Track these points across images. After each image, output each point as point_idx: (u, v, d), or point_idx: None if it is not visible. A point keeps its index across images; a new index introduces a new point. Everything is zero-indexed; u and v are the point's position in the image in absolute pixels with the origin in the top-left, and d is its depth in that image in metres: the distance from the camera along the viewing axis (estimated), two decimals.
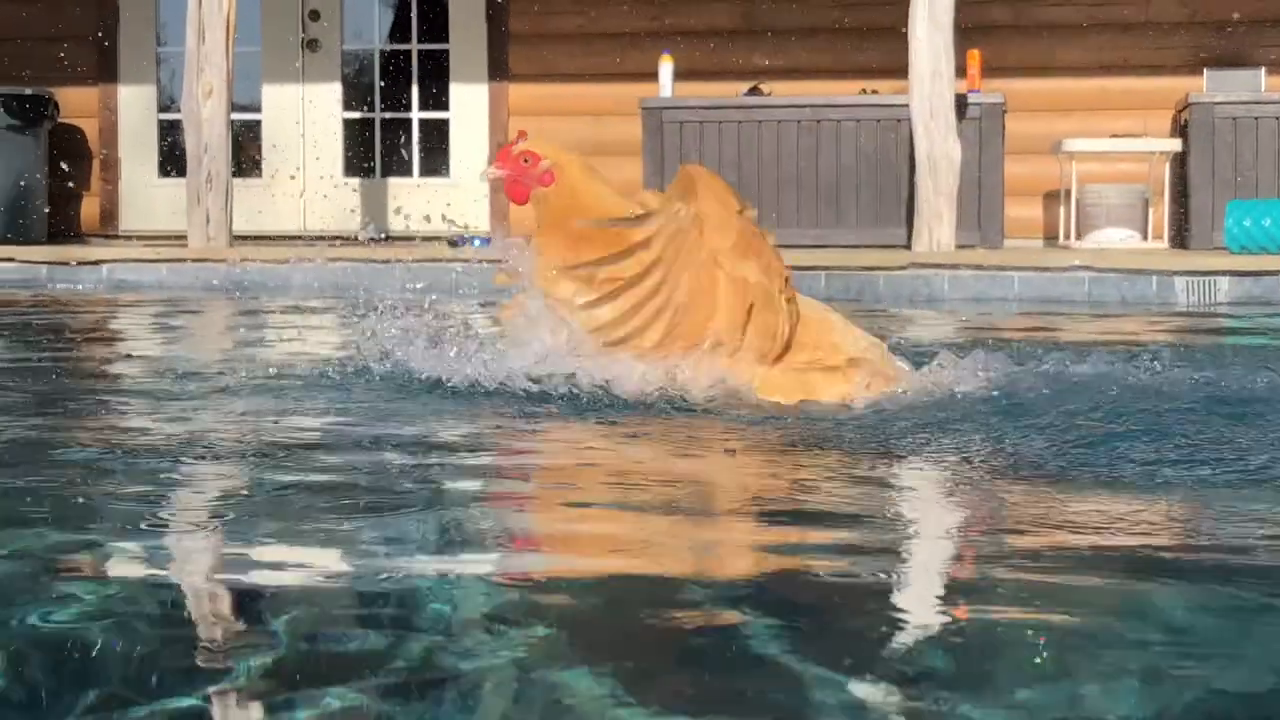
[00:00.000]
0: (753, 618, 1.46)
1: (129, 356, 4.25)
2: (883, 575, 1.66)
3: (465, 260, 8.44)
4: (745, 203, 3.14)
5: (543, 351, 3.13)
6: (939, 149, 9.17)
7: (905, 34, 9.35)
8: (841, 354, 3.09)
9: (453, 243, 9.76)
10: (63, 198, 10.93)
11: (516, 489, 2.30)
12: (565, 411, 2.89)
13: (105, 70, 11.18)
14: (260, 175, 11.28)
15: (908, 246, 9.52)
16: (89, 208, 11.20)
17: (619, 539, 1.90)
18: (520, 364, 3.12)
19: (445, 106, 11.21)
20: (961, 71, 9.55)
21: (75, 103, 10.92)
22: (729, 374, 3.01)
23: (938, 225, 9.13)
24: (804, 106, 10.07)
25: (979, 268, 7.36)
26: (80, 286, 7.79)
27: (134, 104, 11.24)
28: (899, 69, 10.21)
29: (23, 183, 10.21)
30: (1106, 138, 10.30)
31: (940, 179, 9.16)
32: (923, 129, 9.21)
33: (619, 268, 3.03)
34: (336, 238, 10.49)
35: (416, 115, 11.32)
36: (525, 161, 3.22)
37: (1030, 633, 1.40)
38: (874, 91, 10.32)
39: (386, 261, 8.18)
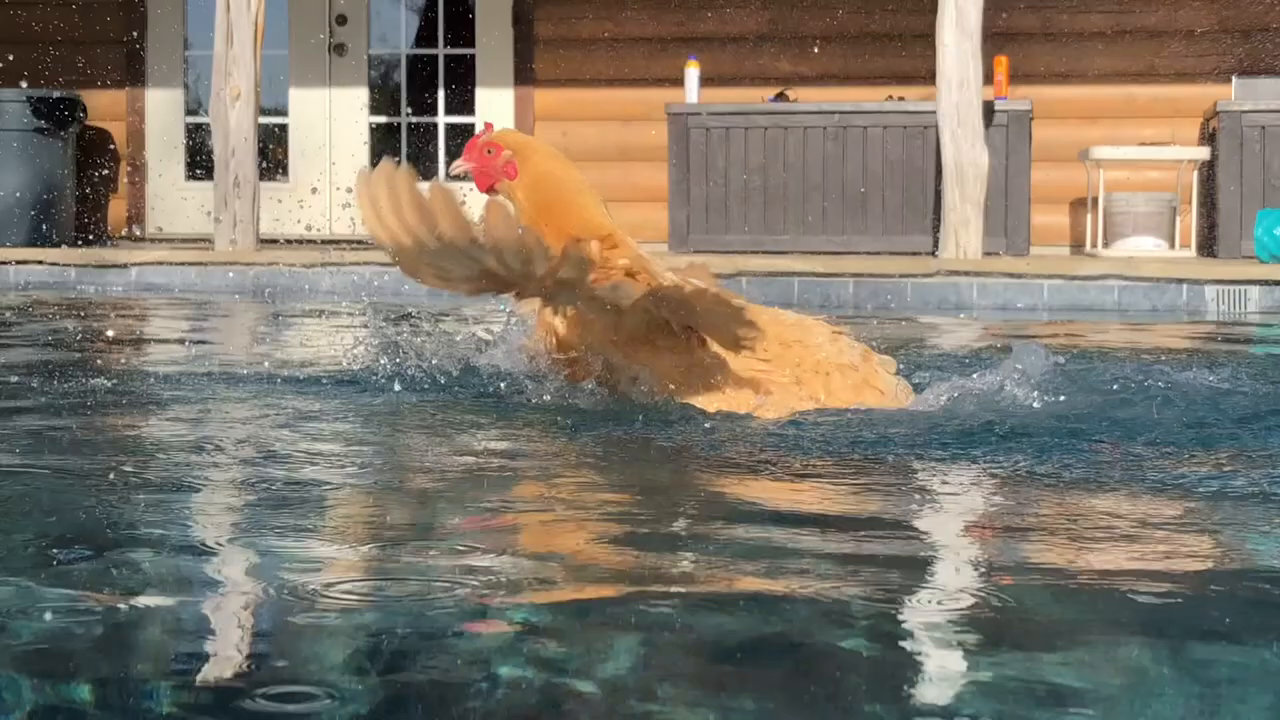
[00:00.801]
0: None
1: (154, 357, 4.25)
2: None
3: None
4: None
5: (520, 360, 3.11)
6: (966, 156, 9.15)
7: (932, 40, 9.33)
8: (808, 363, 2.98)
9: None
10: (90, 200, 10.98)
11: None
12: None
13: (133, 73, 11.22)
14: (286, 179, 11.30)
15: (933, 253, 9.51)
16: (116, 210, 11.23)
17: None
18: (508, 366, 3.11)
19: (471, 111, 11.22)
20: (988, 78, 9.53)
21: (103, 105, 10.96)
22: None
23: (965, 232, 9.11)
24: (830, 113, 10.06)
25: (1008, 275, 7.34)
26: (109, 289, 7.81)
27: (161, 107, 11.27)
28: (925, 75, 10.20)
29: (50, 185, 10.24)
30: (1134, 145, 10.26)
31: (967, 186, 9.13)
32: (950, 136, 9.19)
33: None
34: (362, 242, 10.53)
35: (443, 120, 11.33)
36: (489, 153, 3.14)
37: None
38: (900, 98, 10.30)
39: None
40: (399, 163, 2.68)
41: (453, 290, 2.79)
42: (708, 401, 2.94)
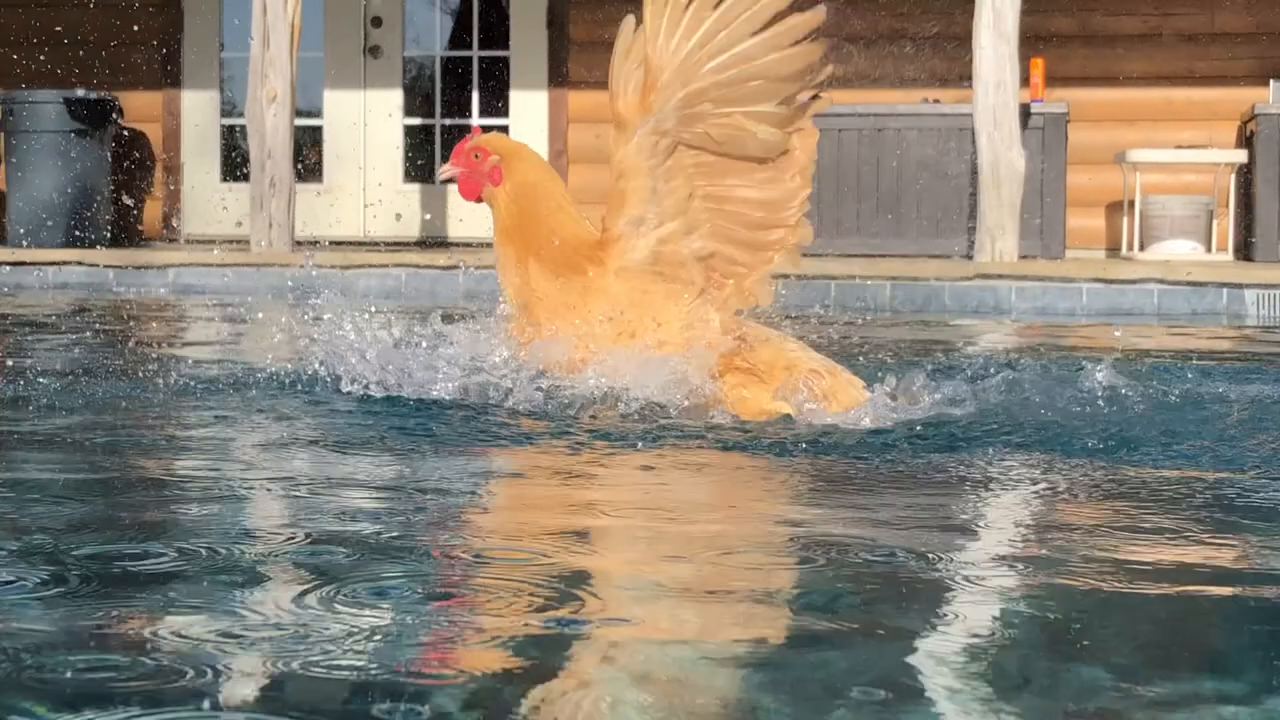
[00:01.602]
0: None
1: (190, 358, 4.25)
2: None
3: None
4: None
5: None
6: (1003, 159, 9.11)
7: (968, 42, 9.30)
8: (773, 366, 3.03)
9: None
10: (126, 202, 11.03)
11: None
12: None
13: (169, 75, 11.27)
14: (321, 180, 11.34)
15: (968, 257, 9.48)
16: (151, 212, 11.28)
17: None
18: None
19: (505, 113, 11.23)
20: (1024, 80, 9.49)
21: (139, 107, 11.01)
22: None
23: (1001, 236, 9.08)
24: (864, 115, 10.04)
25: (1046, 279, 7.31)
26: (147, 290, 7.84)
27: (197, 109, 11.32)
28: (960, 78, 10.17)
29: (87, 186, 10.29)
30: (1171, 149, 10.21)
31: (1004, 189, 9.10)
32: (986, 139, 9.16)
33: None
34: (396, 243, 10.56)
35: (477, 122, 11.34)
36: (476, 158, 3.16)
37: None
38: (936, 100, 10.27)
39: (450, 267, 8.21)
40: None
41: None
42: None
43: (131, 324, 5.62)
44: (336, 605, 1.48)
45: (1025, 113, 9.51)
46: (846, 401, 3.01)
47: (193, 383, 3.26)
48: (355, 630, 1.39)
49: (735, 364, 3.01)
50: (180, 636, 1.37)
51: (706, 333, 3.03)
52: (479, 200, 3.18)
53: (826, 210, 9.97)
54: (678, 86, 3.02)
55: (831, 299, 7.44)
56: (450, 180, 3.22)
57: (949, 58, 10.41)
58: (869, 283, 7.46)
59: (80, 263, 8.27)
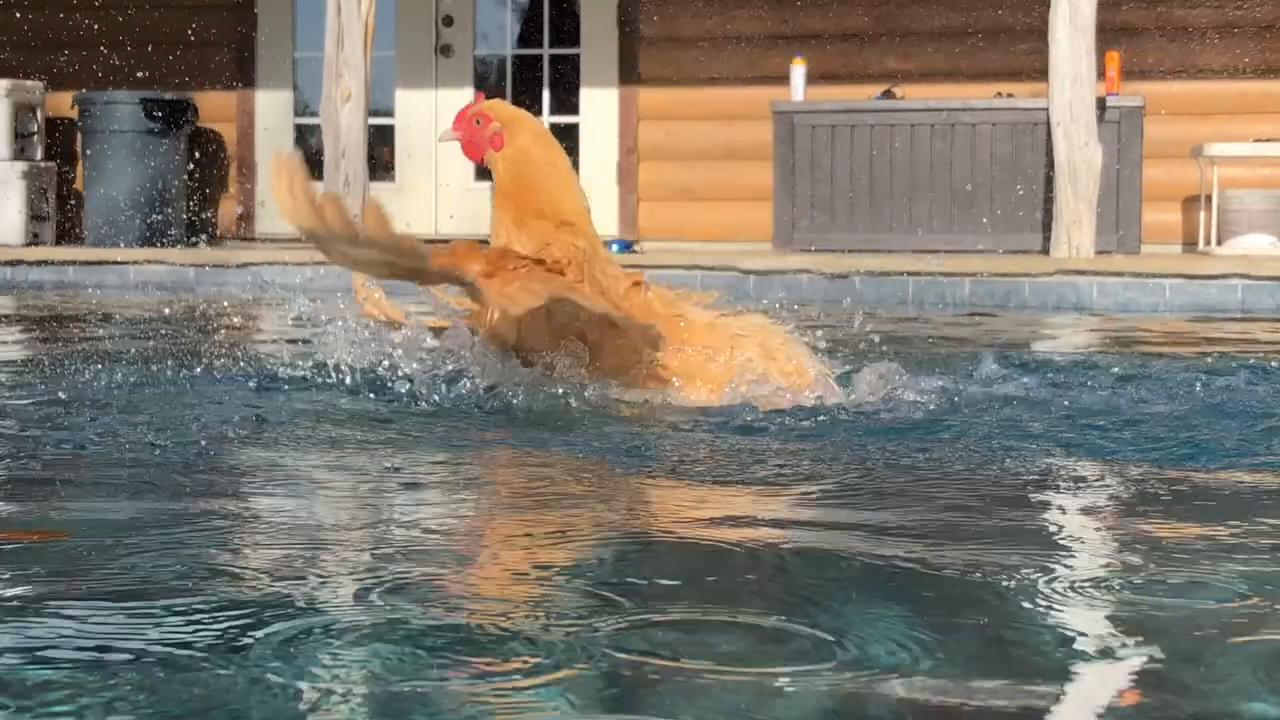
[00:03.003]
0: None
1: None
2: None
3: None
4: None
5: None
6: (1079, 153, 9.04)
7: (1042, 35, 9.24)
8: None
9: None
10: (201, 200, 11.13)
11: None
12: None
13: (243, 75, 11.36)
14: (393, 179, 11.40)
15: (1043, 252, 9.41)
16: (226, 210, 11.38)
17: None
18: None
19: (575, 111, 11.25)
20: (1100, 73, 9.40)
21: (214, 107, 11.10)
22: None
23: (1077, 231, 9.01)
24: (938, 110, 9.98)
25: (1129, 274, 7.24)
26: (226, 288, 7.91)
27: (271, 108, 11.40)
28: (1034, 71, 10.09)
29: (163, 186, 10.40)
30: (1248, 142, 10.09)
31: (1080, 184, 9.03)
32: (1062, 133, 9.09)
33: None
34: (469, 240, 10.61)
35: (547, 120, 11.36)
36: (478, 124, 3.19)
37: None
38: (1009, 95, 10.20)
39: None
40: (289, 154, 2.74)
41: (366, 274, 2.96)
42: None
43: (238, 321, 5.67)
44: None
45: (1100, 106, 9.42)
46: (794, 384, 3.05)
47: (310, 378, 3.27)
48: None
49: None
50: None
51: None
52: (482, 163, 3.23)
53: (899, 207, 9.94)
54: None
55: (910, 296, 7.40)
56: (453, 141, 3.26)
57: (1023, 52, 10.34)
58: (948, 279, 7.41)
59: (161, 261, 8.35)
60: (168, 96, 10.56)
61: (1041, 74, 9.65)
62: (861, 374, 3.20)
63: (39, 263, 8.62)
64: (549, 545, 1.87)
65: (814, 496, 2.17)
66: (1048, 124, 9.38)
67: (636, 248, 10.16)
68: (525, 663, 1.30)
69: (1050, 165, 9.44)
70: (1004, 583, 1.61)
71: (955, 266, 7.46)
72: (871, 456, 2.46)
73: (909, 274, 7.49)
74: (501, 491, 2.30)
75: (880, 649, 1.34)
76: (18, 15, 11.25)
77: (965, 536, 1.87)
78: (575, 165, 11.97)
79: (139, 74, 10.98)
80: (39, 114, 10.92)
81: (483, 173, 11.37)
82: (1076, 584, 1.60)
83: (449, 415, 2.90)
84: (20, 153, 10.71)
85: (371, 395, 3.06)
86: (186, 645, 1.35)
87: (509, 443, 2.65)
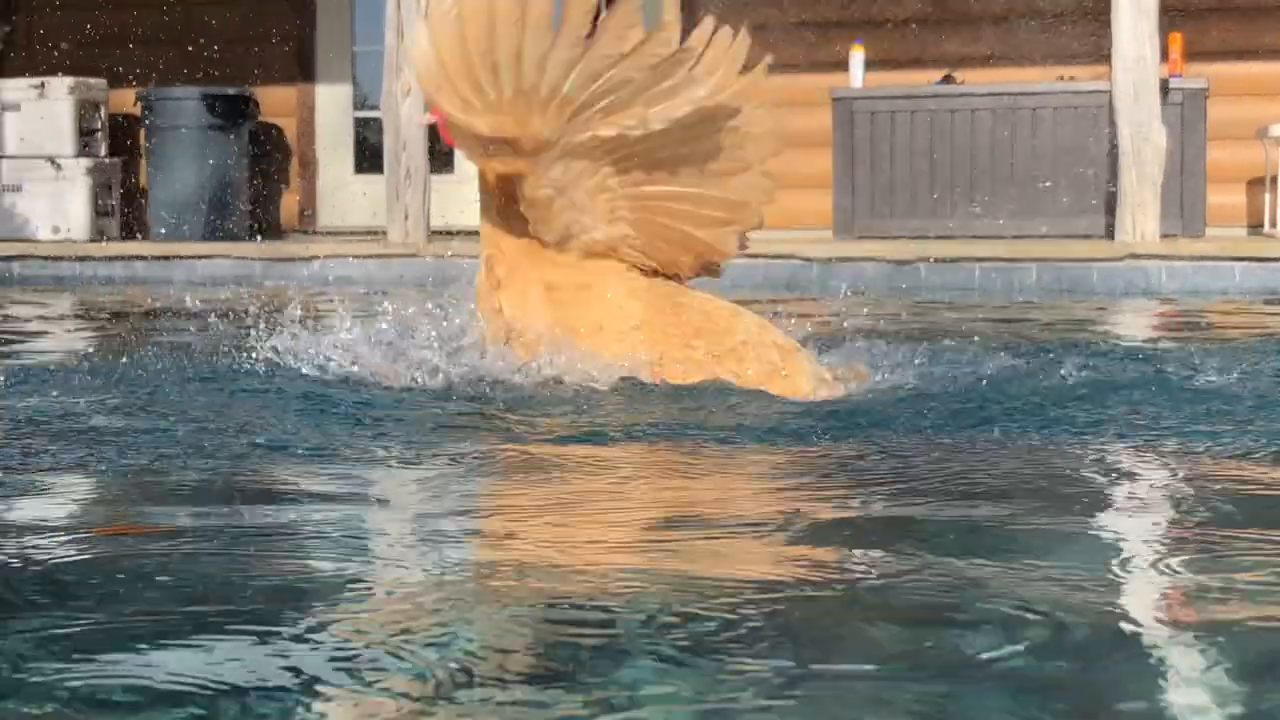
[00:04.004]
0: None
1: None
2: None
3: None
4: None
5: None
6: (1143, 137, 8.96)
7: (1102, 18, 9.16)
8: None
9: None
10: (263, 195, 11.21)
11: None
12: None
13: (303, 70, 11.43)
14: (453, 171, 11.43)
15: (1106, 236, 9.34)
16: (288, 204, 11.46)
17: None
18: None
19: None
20: (1162, 55, 9.32)
21: (274, 102, 11.18)
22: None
23: (1142, 215, 8.93)
24: (999, 95, 9.92)
25: (1198, 258, 7.18)
26: (293, 282, 7.98)
27: (331, 102, 11.47)
28: (1096, 54, 10.01)
29: (225, 180, 10.49)
30: None
31: (1145, 167, 8.95)
32: (1126, 116, 9.02)
33: None
34: None
35: None
36: None
37: None
38: (1071, 78, 10.13)
39: None
40: None
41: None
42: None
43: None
44: None
45: (1163, 88, 9.33)
46: (795, 385, 3.04)
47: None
48: None
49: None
50: None
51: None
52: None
53: (960, 193, 9.88)
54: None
55: (976, 283, 7.38)
56: (432, 123, 3.26)
57: (1083, 34, 10.26)
58: (1014, 265, 7.38)
59: (227, 256, 8.42)
60: (229, 92, 10.65)
61: (1103, 57, 9.57)
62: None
63: (108, 258, 8.73)
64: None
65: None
66: (1110, 107, 9.31)
67: None
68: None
69: (1113, 149, 9.37)
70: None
71: (1022, 252, 7.43)
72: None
73: (975, 260, 7.46)
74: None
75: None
76: (80, 14, 11.37)
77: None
78: None
79: (200, 70, 11.08)
80: (102, 111, 11.03)
81: None
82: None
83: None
84: (85, 149, 10.83)
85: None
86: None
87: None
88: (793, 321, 3.49)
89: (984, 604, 1.47)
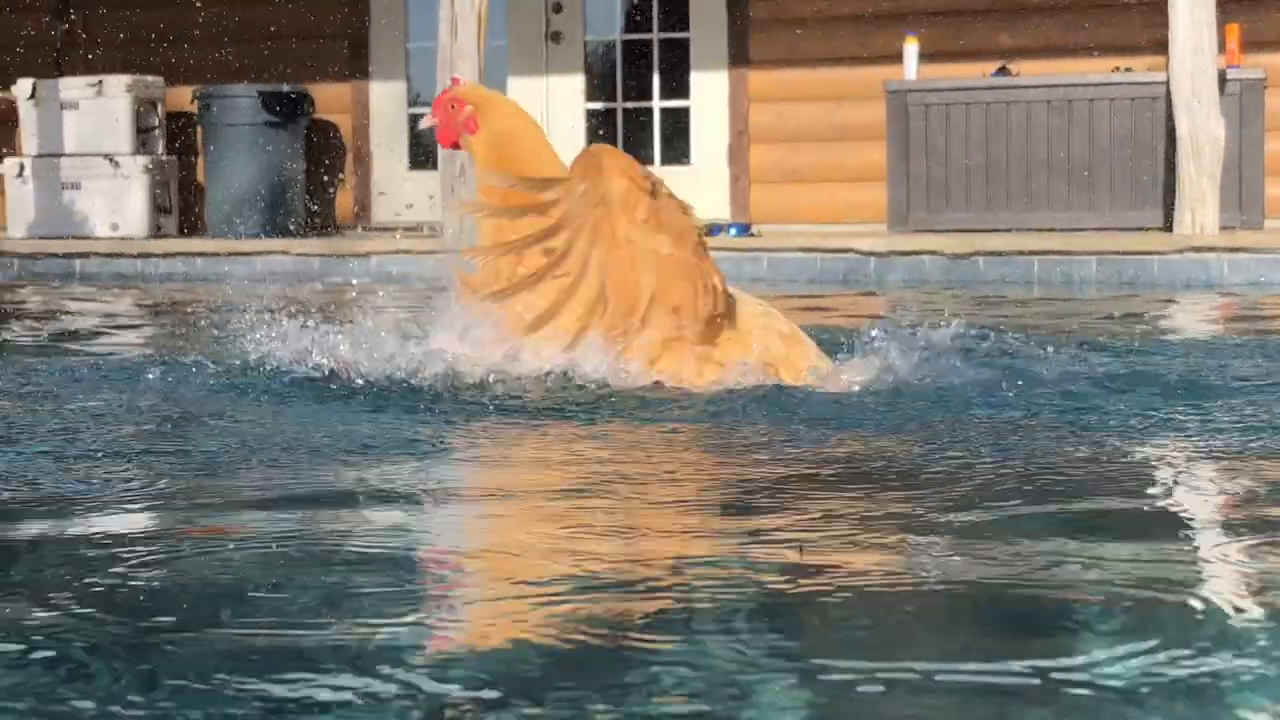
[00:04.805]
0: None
1: None
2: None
3: (722, 249, 8.49)
4: (655, 180, 3.03)
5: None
6: (1201, 128, 8.90)
7: (1159, 8, 9.10)
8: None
9: (708, 231, 9.79)
10: (318, 191, 11.28)
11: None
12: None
13: (357, 67, 11.49)
14: None
15: (1164, 229, 9.27)
16: (342, 200, 11.52)
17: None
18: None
19: (686, 95, 11.25)
20: (1219, 46, 9.24)
21: (329, 98, 11.24)
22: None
23: (1200, 207, 8.87)
24: (1054, 86, 9.86)
25: (1259, 251, 7.12)
26: (352, 278, 8.03)
27: (385, 99, 11.52)
28: (1152, 45, 9.94)
29: (281, 177, 10.56)
30: None
31: (1203, 159, 8.89)
32: (1184, 108, 8.95)
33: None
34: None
35: (658, 104, 11.39)
36: (452, 109, 3.22)
37: None
38: (1127, 69, 10.05)
39: None
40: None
41: None
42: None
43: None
44: None
45: (1221, 79, 9.26)
46: (803, 369, 3.04)
47: None
48: None
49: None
50: None
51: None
52: (456, 147, 3.29)
53: (1016, 185, 9.83)
54: None
55: (1035, 275, 7.34)
56: (432, 125, 3.30)
57: (1140, 25, 10.19)
58: (1073, 258, 7.34)
59: (285, 252, 8.48)
60: (285, 89, 10.71)
61: (1159, 47, 9.50)
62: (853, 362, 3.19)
63: (167, 255, 8.81)
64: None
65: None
66: (1167, 98, 9.24)
67: (753, 231, 10.14)
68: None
69: (1170, 141, 9.31)
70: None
71: (1081, 245, 7.39)
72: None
73: (1033, 253, 7.42)
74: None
75: None
76: (137, 12, 11.46)
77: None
78: (685, 150, 11.93)
79: (256, 67, 11.15)
80: (159, 109, 11.13)
81: None
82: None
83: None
84: (142, 147, 10.93)
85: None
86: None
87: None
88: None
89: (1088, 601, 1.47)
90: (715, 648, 1.34)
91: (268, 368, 3.17)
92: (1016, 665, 1.28)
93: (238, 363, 3.21)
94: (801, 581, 1.58)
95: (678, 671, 1.28)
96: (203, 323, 3.65)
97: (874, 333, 3.38)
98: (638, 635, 1.38)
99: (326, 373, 3.09)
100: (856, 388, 3.01)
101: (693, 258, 2.99)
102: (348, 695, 1.23)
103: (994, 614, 1.44)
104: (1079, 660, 1.29)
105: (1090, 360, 3.33)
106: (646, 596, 1.53)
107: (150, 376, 3.18)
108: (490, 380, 2.99)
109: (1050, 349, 3.37)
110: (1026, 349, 3.43)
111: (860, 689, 1.23)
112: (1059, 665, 1.28)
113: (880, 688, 1.23)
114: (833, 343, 3.36)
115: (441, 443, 2.56)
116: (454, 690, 1.24)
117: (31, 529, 1.88)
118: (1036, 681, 1.24)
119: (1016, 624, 1.41)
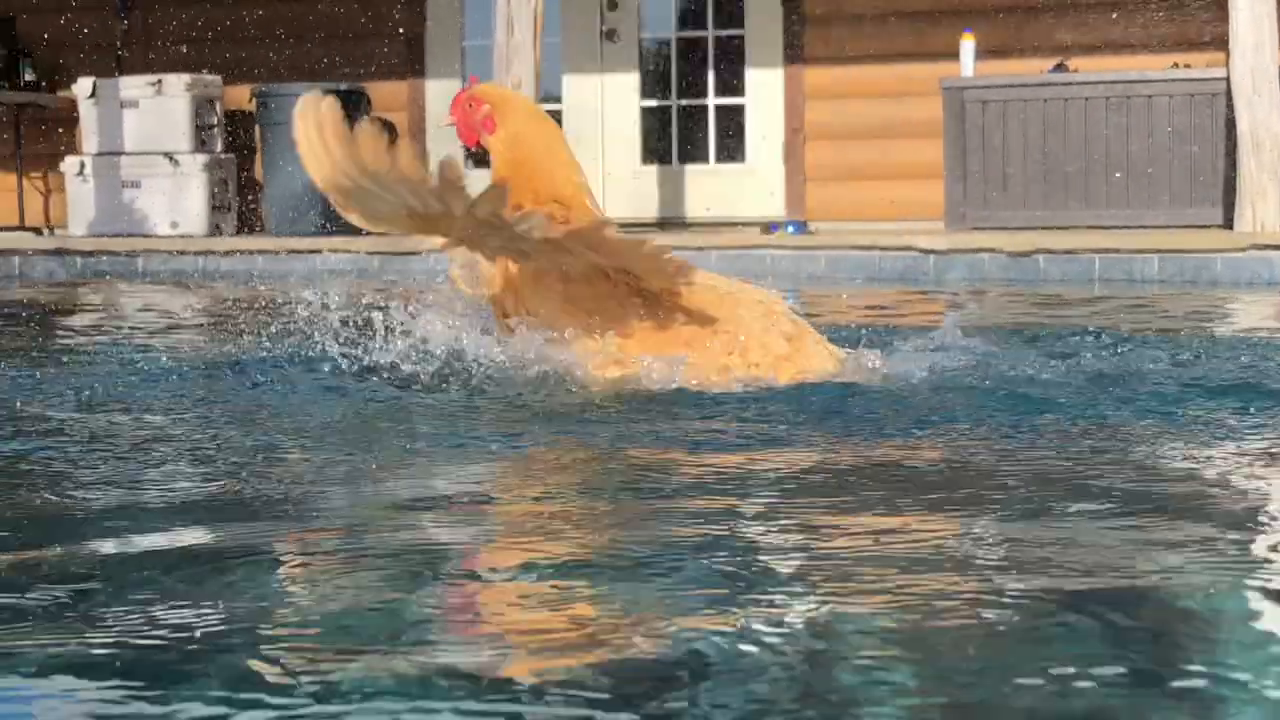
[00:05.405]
0: None
1: None
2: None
3: (780, 247, 8.49)
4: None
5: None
6: (1262, 124, 8.83)
7: (1219, 3, 9.03)
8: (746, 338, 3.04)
9: (766, 229, 9.81)
10: None
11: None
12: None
13: (413, 65, 11.55)
14: None
15: (1224, 226, 9.21)
16: None
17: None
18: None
19: (741, 92, 11.25)
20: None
21: (386, 97, 11.30)
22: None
23: (1262, 204, 8.81)
24: (1112, 83, 9.81)
25: None
26: (411, 276, 8.07)
27: (441, 97, 11.56)
28: (1210, 40, 9.87)
29: None
30: None
31: (1264, 155, 8.83)
32: (1244, 104, 8.89)
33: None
34: (636, 224, 10.67)
35: (712, 101, 11.39)
36: (470, 108, 3.23)
37: None
38: (1186, 66, 9.99)
39: (700, 249, 8.28)
40: (325, 94, 2.71)
41: (384, 229, 2.88)
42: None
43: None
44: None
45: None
46: (810, 366, 3.04)
47: None
48: None
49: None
50: None
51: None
52: (478, 147, 3.26)
53: (1074, 182, 9.79)
54: None
55: (1096, 274, 7.31)
56: (451, 126, 3.31)
57: (1198, 20, 10.11)
58: (1134, 256, 7.30)
59: (345, 250, 8.53)
60: (342, 88, 10.77)
61: (1217, 43, 9.43)
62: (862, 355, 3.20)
63: (228, 253, 8.88)
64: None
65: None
66: (1228, 94, 9.18)
67: (810, 228, 10.14)
68: None
69: (1230, 137, 9.24)
70: None
71: (1142, 243, 7.35)
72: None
73: (1094, 251, 7.39)
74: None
75: None
76: (195, 11, 11.56)
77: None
78: (740, 148, 11.89)
79: (313, 66, 11.22)
80: (218, 107, 11.22)
81: (649, 156, 11.47)
82: None
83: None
84: (201, 145, 11.02)
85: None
86: None
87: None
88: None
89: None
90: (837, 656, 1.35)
91: (349, 367, 3.19)
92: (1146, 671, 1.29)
93: (327, 366, 3.24)
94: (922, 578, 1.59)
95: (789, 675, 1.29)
96: (272, 321, 3.67)
97: (949, 325, 3.38)
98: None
99: (423, 373, 3.12)
100: (878, 377, 3.03)
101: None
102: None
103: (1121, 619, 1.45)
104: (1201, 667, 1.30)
105: (1171, 358, 3.31)
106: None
107: (255, 377, 3.21)
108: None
109: (1134, 348, 3.37)
110: (1121, 347, 3.43)
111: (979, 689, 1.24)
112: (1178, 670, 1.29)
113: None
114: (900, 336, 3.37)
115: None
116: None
117: (141, 539, 1.90)
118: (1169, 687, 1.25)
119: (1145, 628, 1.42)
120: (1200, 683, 1.28)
